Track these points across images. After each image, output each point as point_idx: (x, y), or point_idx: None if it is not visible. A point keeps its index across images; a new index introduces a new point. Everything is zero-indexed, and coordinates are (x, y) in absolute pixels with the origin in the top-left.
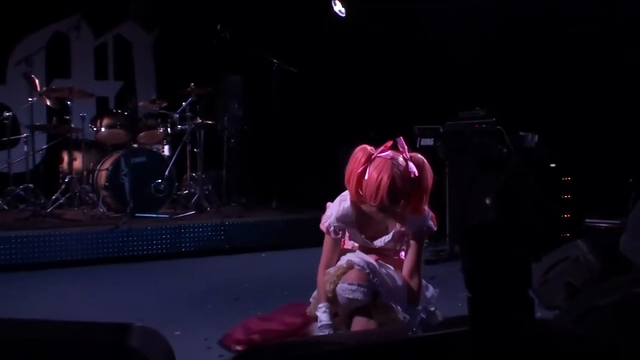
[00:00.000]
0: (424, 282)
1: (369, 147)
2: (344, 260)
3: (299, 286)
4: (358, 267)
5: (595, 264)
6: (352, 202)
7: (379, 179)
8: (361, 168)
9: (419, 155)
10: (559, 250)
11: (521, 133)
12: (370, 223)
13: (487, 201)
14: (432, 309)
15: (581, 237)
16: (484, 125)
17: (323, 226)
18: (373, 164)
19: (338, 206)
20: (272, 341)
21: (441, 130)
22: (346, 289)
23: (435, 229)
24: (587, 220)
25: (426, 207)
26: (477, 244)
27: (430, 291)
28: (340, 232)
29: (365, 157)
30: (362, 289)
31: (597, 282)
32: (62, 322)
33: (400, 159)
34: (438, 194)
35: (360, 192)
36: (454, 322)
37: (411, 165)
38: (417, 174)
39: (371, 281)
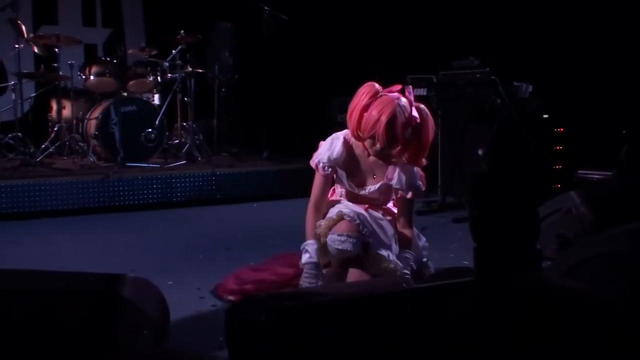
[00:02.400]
0: (416, 231)
1: (376, 85)
2: (333, 212)
3: (291, 236)
4: (348, 218)
5: (588, 216)
6: (344, 143)
7: (380, 114)
8: (365, 102)
9: (424, 107)
10: (551, 202)
11: (515, 83)
12: (359, 169)
13: (480, 152)
14: (425, 259)
15: (573, 189)
16: (477, 75)
17: (313, 162)
18: (378, 100)
19: (330, 145)
20: (265, 291)
21: (434, 80)
22: (335, 240)
23: (423, 189)
24: (579, 171)
25: (424, 161)
26: (485, 194)
27: (422, 241)
28: (330, 169)
29: (371, 92)
30: (351, 239)
31: (590, 234)
32: (54, 272)
33: (405, 101)
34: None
35: (360, 128)
36: (446, 273)
37: (415, 111)
38: (418, 121)
39: (361, 232)
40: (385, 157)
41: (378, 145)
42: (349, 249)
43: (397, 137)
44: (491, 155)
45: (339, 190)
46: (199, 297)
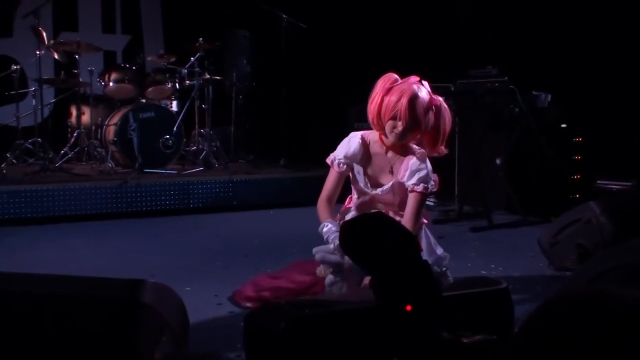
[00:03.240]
0: (432, 239)
1: (394, 75)
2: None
3: (307, 244)
4: None
5: (608, 226)
6: (361, 141)
7: (401, 95)
8: (387, 87)
9: (439, 97)
10: (570, 212)
11: (534, 92)
12: (375, 167)
13: (497, 161)
14: (443, 269)
15: (593, 199)
16: (496, 84)
17: (329, 159)
18: (398, 85)
19: (347, 142)
20: (282, 299)
21: (452, 88)
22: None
23: (434, 189)
24: (598, 181)
25: (443, 148)
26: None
27: (440, 250)
28: (345, 166)
29: (391, 79)
30: None
31: (609, 244)
32: (75, 277)
33: (424, 89)
34: (448, 153)
35: (380, 112)
36: (465, 282)
37: (433, 97)
38: (438, 104)
39: None
40: (404, 143)
41: (400, 127)
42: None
43: (419, 117)
44: (509, 164)
45: (354, 197)
46: (217, 304)
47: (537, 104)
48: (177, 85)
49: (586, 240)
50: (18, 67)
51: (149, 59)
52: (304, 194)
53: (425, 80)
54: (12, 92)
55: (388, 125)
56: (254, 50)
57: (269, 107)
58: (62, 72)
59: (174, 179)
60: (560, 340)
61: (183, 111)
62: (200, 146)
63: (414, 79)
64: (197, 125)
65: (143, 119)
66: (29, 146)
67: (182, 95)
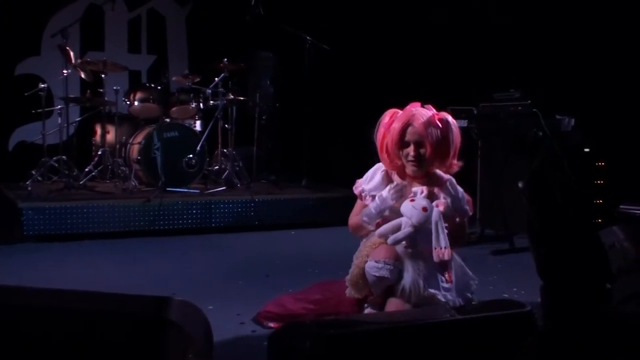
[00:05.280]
0: (464, 265)
1: (392, 109)
2: (374, 235)
3: (329, 264)
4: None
5: (631, 251)
6: (385, 174)
7: (403, 120)
8: (387, 121)
9: (445, 113)
10: None
11: (557, 116)
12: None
13: (520, 185)
14: (470, 295)
15: (616, 224)
16: (519, 108)
17: (356, 190)
18: (397, 115)
19: (372, 175)
20: (305, 319)
21: (475, 111)
22: (373, 267)
23: (470, 213)
24: (621, 206)
25: (455, 162)
26: (554, 232)
27: (469, 275)
28: (371, 198)
29: (390, 113)
30: (388, 266)
31: (633, 270)
32: (101, 293)
33: (426, 109)
34: (470, 176)
35: (388, 148)
36: (488, 305)
37: (436, 114)
38: (440, 118)
39: (398, 258)
40: (422, 171)
41: (412, 151)
42: (386, 275)
43: (422, 135)
44: (532, 188)
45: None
46: (240, 323)
47: (560, 128)
48: (201, 105)
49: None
50: (45, 85)
51: (173, 78)
52: (326, 215)
53: (450, 105)
54: (39, 110)
55: (403, 157)
56: (278, 71)
57: (291, 128)
58: (88, 90)
59: (196, 198)
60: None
61: (206, 131)
62: (223, 166)
63: (414, 105)
64: (220, 145)
65: (167, 138)
66: (54, 164)
67: (205, 115)
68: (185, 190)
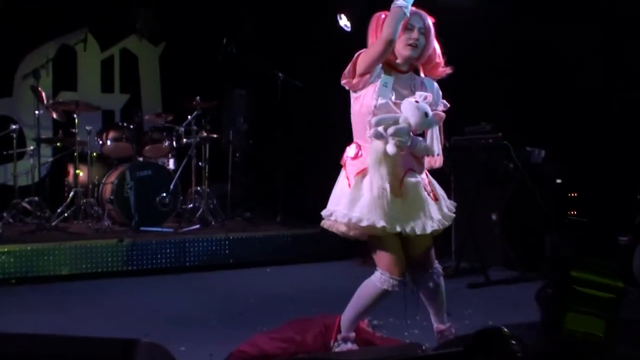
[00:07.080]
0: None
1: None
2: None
3: (304, 301)
4: None
5: None
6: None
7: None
8: (381, 15)
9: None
10: None
11: (528, 148)
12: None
13: (493, 217)
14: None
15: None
16: (490, 141)
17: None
18: None
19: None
20: (279, 359)
21: (447, 145)
22: (385, 281)
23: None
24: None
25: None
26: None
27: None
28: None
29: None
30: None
31: None
32: (69, 336)
33: None
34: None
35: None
36: (463, 339)
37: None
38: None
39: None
40: (414, 55)
41: (414, 36)
42: (390, 290)
43: (426, 26)
44: (504, 220)
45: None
46: None
47: (531, 160)
48: (174, 143)
49: None
50: (17, 126)
51: (146, 117)
52: (301, 252)
53: None
54: (10, 152)
55: (401, 41)
56: (251, 108)
57: (265, 165)
58: (60, 131)
59: (170, 237)
60: None
61: (180, 169)
62: (197, 204)
63: None
64: (193, 183)
65: (140, 177)
66: (26, 205)
67: (179, 153)
68: (159, 229)
